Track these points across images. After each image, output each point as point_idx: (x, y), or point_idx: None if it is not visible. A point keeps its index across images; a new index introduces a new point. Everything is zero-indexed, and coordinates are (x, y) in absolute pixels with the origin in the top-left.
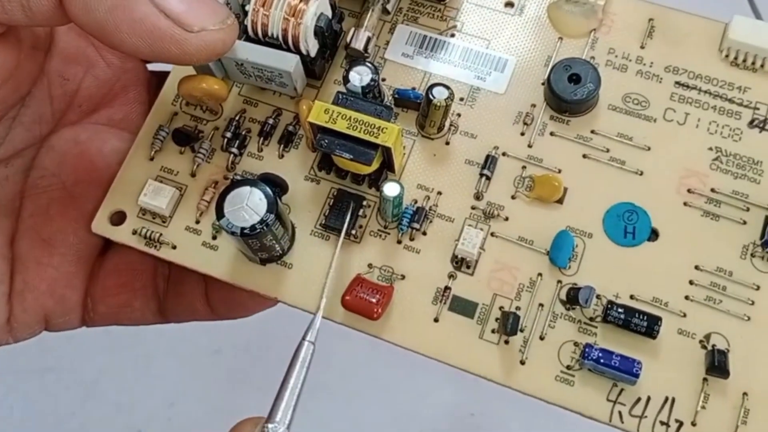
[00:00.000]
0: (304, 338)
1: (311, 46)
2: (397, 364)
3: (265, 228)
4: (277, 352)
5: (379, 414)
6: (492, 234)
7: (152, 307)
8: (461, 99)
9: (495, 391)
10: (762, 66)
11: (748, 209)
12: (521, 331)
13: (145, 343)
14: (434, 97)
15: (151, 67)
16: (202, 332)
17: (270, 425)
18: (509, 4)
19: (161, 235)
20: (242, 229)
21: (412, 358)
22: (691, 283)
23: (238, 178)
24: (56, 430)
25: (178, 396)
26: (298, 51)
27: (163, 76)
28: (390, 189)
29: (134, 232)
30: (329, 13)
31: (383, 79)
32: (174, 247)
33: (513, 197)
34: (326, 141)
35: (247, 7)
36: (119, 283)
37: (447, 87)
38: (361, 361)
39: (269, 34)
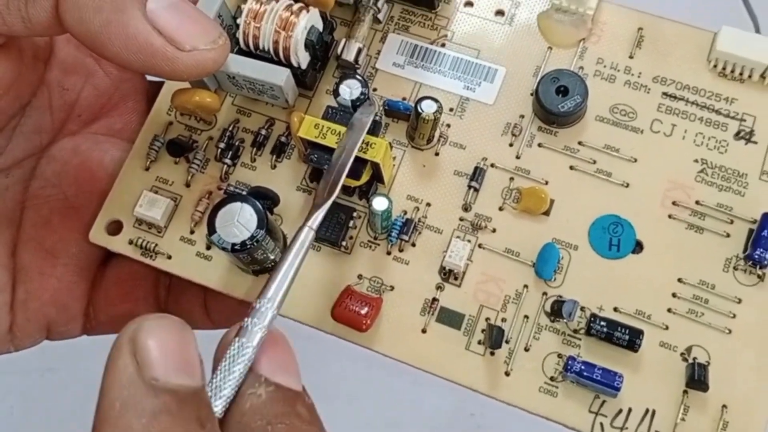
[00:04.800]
0: (305, 224)
1: (302, 59)
2: (396, 364)
3: (255, 244)
4: None
5: (378, 414)
6: (479, 245)
7: None
8: (450, 109)
9: None
10: (749, 77)
11: (732, 222)
12: (506, 342)
13: None
14: (423, 111)
15: (149, 77)
16: (202, 332)
17: (260, 301)
18: (499, 13)
19: (156, 245)
20: (233, 245)
21: None
22: (674, 295)
23: (232, 188)
24: (56, 430)
25: None
26: (289, 63)
27: (162, 86)
28: (378, 203)
29: (130, 242)
30: (320, 25)
31: (374, 90)
32: (169, 257)
33: (500, 209)
34: (316, 156)
35: (238, 21)
36: (121, 293)
37: (436, 100)
38: (360, 360)
39: (260, 47)
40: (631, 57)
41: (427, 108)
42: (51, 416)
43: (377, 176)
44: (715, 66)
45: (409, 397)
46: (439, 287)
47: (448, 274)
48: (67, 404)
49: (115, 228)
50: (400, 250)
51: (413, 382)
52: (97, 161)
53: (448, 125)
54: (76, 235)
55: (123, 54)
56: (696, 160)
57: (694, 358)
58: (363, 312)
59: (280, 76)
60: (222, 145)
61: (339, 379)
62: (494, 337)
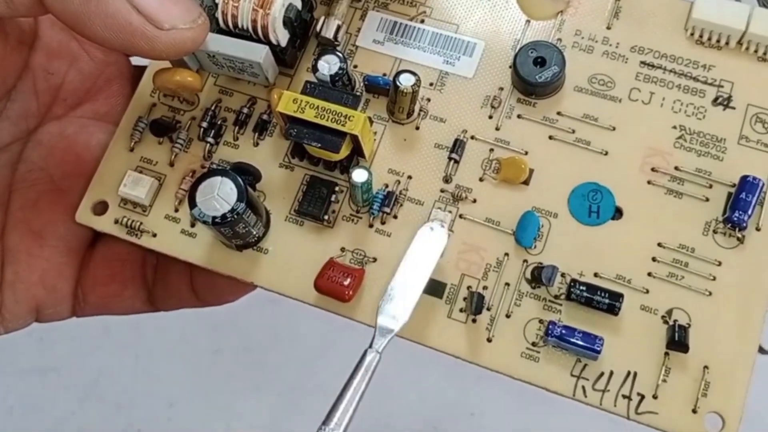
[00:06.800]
0: (371, 346)
1: (281, 36)
2: (396, 363)
3: (235, 216)
4: (278, 352)
5: (378, 413)
6: (460, 216)
7: (141, 296)
8: (430, 84)
9: (495, 391)
10: (726, 44)
11: (711, 186)
12: (488, 309)
13: (145, 344)
14: (401, 84)
15: (134, 60)
16: (202, 332)
17: (326, 428)
18: None
19: (141, 223)
20: (213, 218)
21: (411, 356)
22: (654, 260)
23: (215, 166)
24: (56, 430)
25: (178, 396)
26: (268, 41)
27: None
28: (358, 175)
29: (116, 222)
30: (299, 3)
31: (355, 66)
32: (154, 235)
33: (481, 179)
34: (295, 130)
35: (217, 0)
36: (109, 273)
37: (414, 73)
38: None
39: (239, 25)
40: (608, 28)
41: (405, 81)
42: (51, 416)
43: (358, 150)
44: (692, 34)
45: (409, 397)
46: None
47: None
48: (67, 404)
49: (101, 208)
50: (382, 223)
51: (413, 382)
52: (83, 144)
53: (428, 99)
54: (63, 217)
55: (103, 33)
56: (674, 127)
57: (675, 321)
58: (345, 283)
59: (258, 53)
60: (205, 125)
61: (339, 377)
62: (475, 303)
